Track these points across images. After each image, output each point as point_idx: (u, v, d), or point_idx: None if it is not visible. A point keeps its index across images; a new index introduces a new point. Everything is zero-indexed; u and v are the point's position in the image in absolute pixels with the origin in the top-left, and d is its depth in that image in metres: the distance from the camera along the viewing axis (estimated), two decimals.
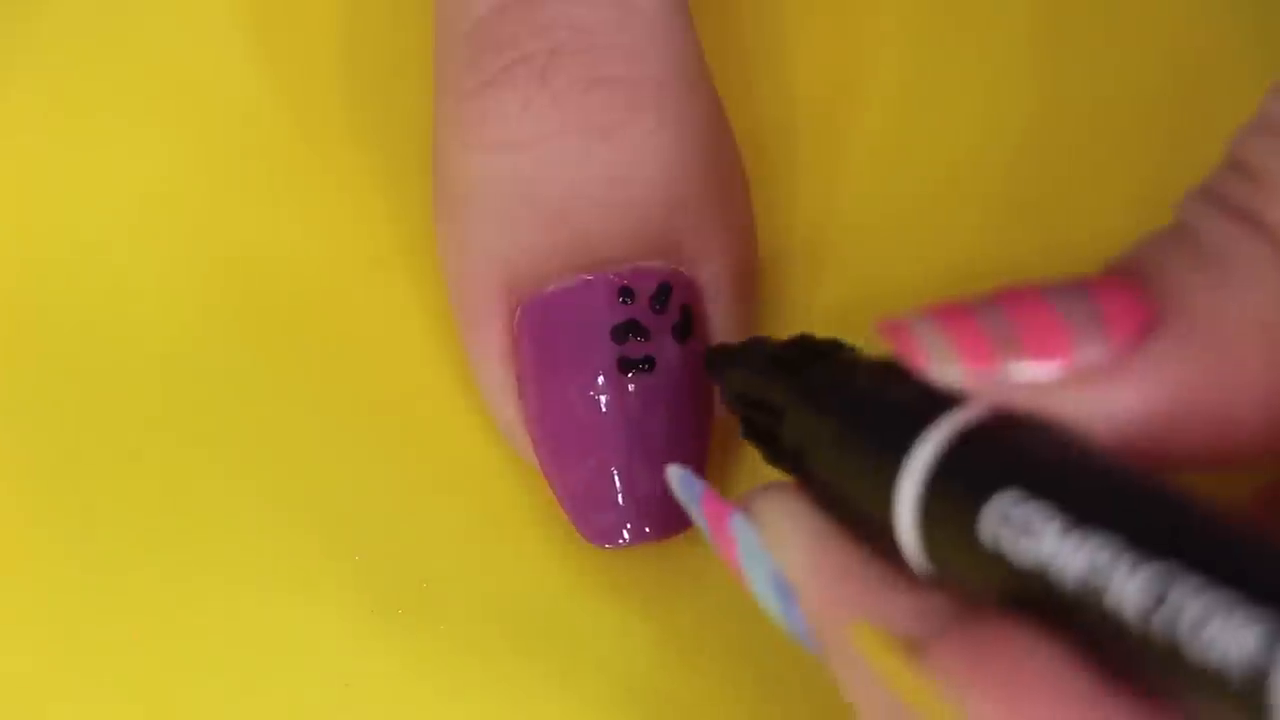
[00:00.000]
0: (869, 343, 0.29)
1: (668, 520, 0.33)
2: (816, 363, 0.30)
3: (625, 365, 0.32)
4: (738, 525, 0.29)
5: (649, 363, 0.32)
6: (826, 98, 0.37)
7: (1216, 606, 0.24)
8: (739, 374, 0.31)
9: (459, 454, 0.35)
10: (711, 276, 0.34)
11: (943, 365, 0.27)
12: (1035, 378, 0.27)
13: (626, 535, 0.33)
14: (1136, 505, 0.25)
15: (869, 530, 0.28)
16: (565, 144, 0.33)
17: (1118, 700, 0.25)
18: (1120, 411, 0.27)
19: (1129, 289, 0.27)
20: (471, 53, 0.33)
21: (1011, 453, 0.26)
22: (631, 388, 0.32)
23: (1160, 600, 0.24)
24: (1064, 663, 0.25)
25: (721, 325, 0.34)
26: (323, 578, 0.34)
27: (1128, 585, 0.24)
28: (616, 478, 0.33)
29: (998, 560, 0.26)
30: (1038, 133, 0.37)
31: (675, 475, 0.31)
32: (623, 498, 0.33)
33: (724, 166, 0.34)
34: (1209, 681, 0.23)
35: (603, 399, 0.32)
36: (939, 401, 0.27)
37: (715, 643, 0.34)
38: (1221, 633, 0.23)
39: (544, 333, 0.33)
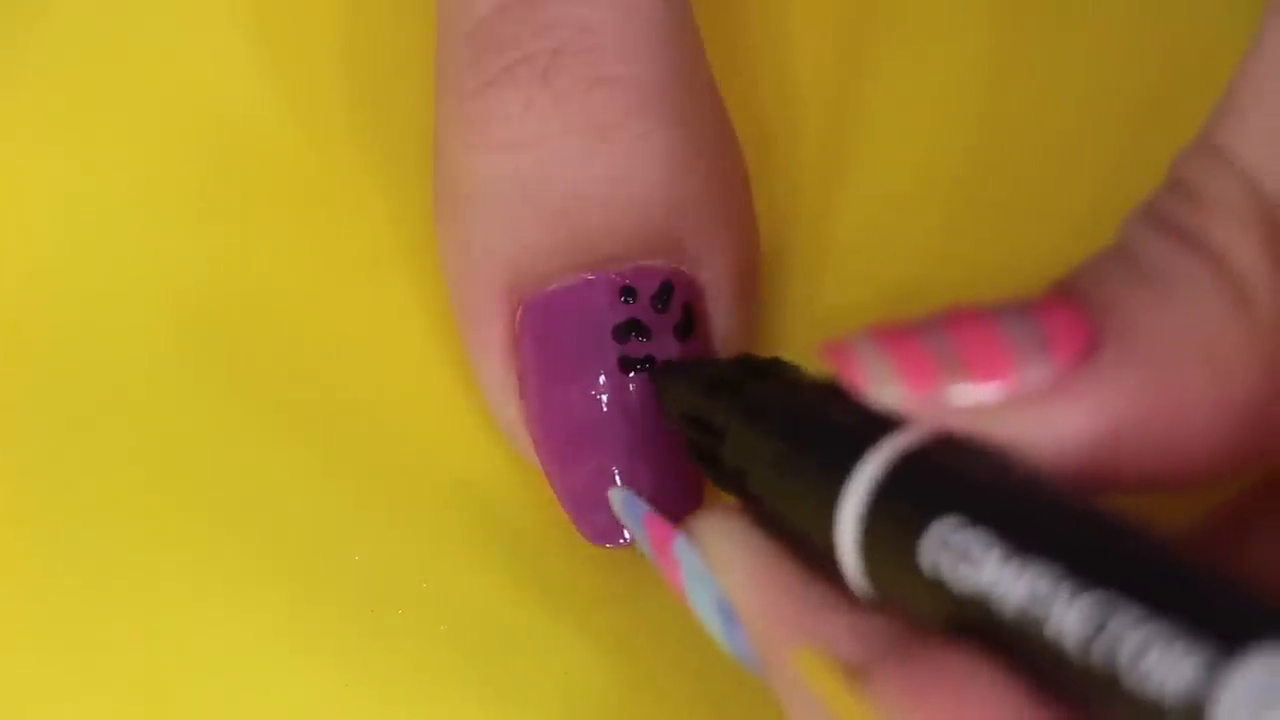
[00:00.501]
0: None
1: (676, 514, 0.33)
2: (758, 382, 0.30)
3: (626, 364, 0.32)
4: (680, 548, 0.29)
5: (650, 362, 0.32)
6: (828, 97, 0.37)
7: (1155, 636, 0.23)
8: (682, 393, 0.31)
9: (459, 454, 0.35)
10: (713, 276, 0.34)
11: (883, 387, 0.27)
12: (977, 400, 0.27)
13: (628, 534, 0.33)
14: (1076, 532, 0.25)
15: (812, 552, 0.28)
16: (567, 144, 0.33)
17: None
18: (1063, 433, 0.27)
19: (1070, 309, 0.27)
20: (473, 53, 0.33)
21: (952, 477, 0.26)
22: (633, 387, 0.32)
23: (1100, 629, 0.24)
24: (1005, 689, 0.25)
25: (723, 324, 0.34)
26: (323, 578, 0.34)
27: (1068, 614, 0.24)
28: (617, 477, 0.33)
29: (938, 586, 0.26)
30: (1040, 132, 0.37)
31: (617, 497, 0.31)
32: (631, 493, 0.33)
33: (726, 166, 0.34)
34: (1148, 712, 0.23)
35: (604, 398, 0.32)
36: (880, 423, 0.27)
37: (716, 645, 0.34)
38: (1160, 663, 0.23)
39: (545, 332, 0.33)
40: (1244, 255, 0.27)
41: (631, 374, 0.32)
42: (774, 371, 0.30)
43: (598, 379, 0.32)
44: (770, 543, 0.28)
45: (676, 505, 0.32)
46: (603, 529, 0.33)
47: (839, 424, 0.28)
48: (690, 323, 0.33)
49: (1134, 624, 0.24)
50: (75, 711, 0.34)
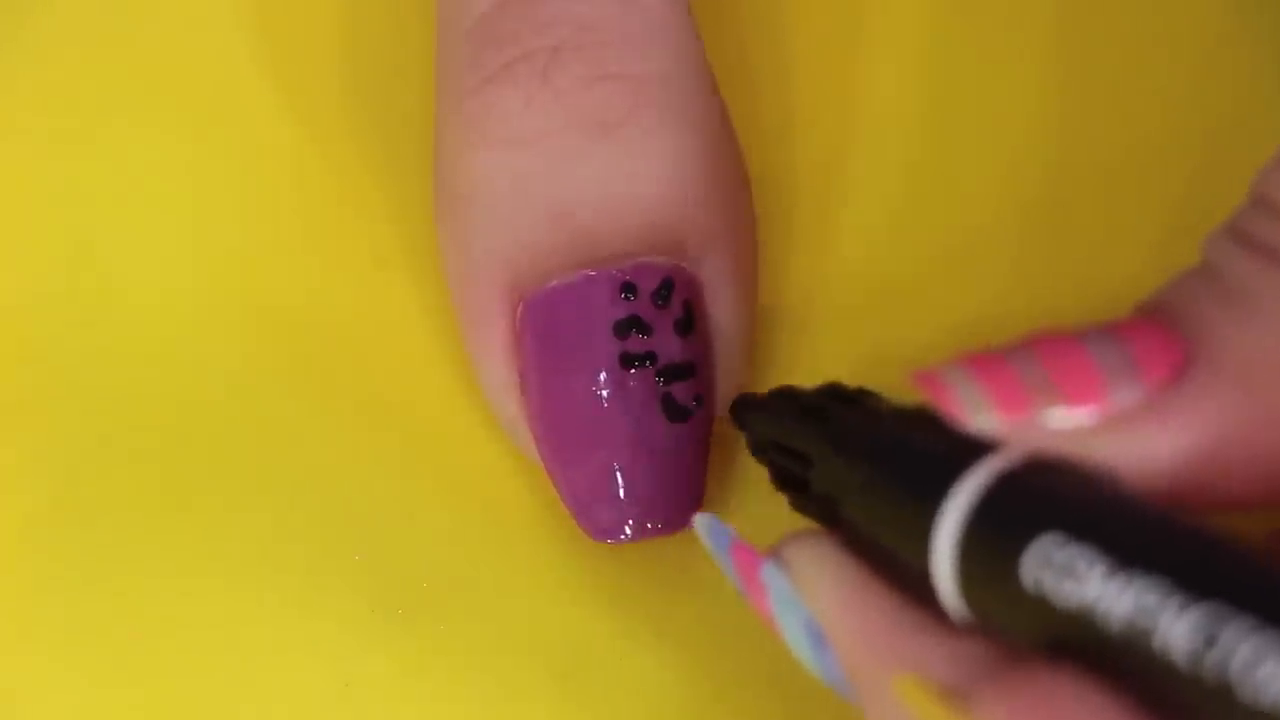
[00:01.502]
0: (872, 346, 0.29)
1: (669, 516, 0.33)
2: (845, 409, 0.30)
3: (627, 361, 0.32)
4: (769, 573, 0.29)
5: (651, 358, 0.32)
6: (828, 96, 0.37)
7: (1269, 647, 0.23)
8: (765, 421, 0.31)
9: (459, 454, 0.35)
10: (713, 273, 0.34)
11: (978, 414, 0.27)
12: (1071, 423, 0.27)
13: (629, 531, 0.33)
14: (1180, 546, 0.25)
15: (904, 578, 0.28)
16: (567, 141, 0.33)
17: None
18: (1155, 454, 0.27)
19: (1158, 330, 0.27)
20: (473, 50, 0.33)
21: (1050, 497, 0.26)
22: (633, 383, 0.32)
23: (1211, 642, 0.24)
24: (1112, 707, 0.25)
25: (722, 322, 0.34)
26: (323, 578, 0.34)
27: (1176, 627, 0.24)
28: (618, 474, 0.33)
29: (1040, 604, 0.25)
30: (1034, 126, 0.37)
31: (703, 523, 0.31)
32: (624, 494, 0.33)
33: (726, 163, 0.34)
34: None
35: (605, 394, 0.32)
36: (972, 448, 0.27)
37: (716, 643, 0.34)
38: (1275, 674, 0.23)
39: (546, 329, 0.33)
40: None
41: (632, 370, 0.32)
42: (861, 399, 0.30)
43: (599, 376, 0.32)
44: (861, 567, 0.28)
45: (676, 503, 0.32)
46: (604, 526, 0.33)
47: (931, 449, 0.28)
48: (690, 320, 0.33)
49: (1246, 634, 0.23)
50: (75, 711, 0.34)
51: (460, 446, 0.35)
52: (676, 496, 0.32)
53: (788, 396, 0.31)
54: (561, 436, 0.33)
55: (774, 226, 0.36)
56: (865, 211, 0.36)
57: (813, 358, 0.35)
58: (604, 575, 0.34)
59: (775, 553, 0.29)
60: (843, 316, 0.36)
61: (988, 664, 0.26)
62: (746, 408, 0.32)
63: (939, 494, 0.27)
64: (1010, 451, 0.27)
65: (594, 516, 0.33)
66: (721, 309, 0.34)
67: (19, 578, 0.34)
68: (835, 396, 0.30)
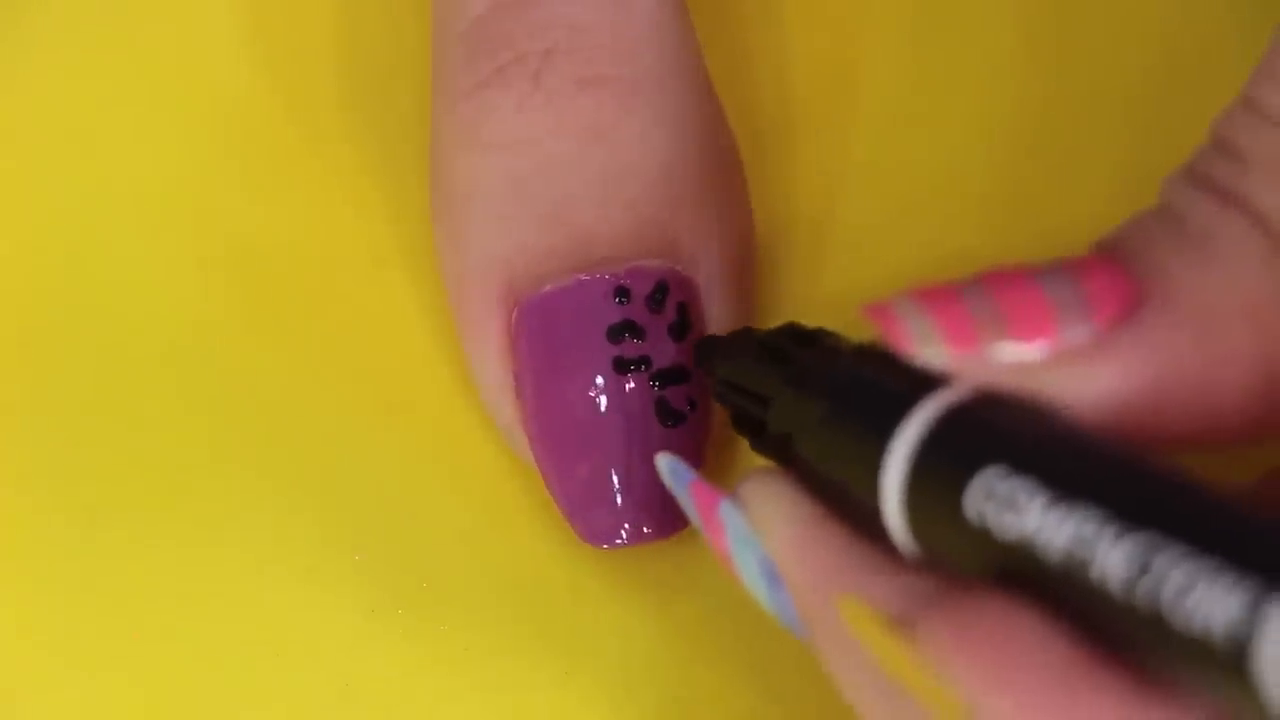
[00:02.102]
0: (866, 338, 0.29)
1: (665, 520, 0.33)
2: (803, 349, 0.30)
3: (621, 365, 0.32)
4: (726, 511, 0.29)
5: (645, 362, 0.32)
6: (823, 94, 0.37)
7: (1199, 574, 0.24)
8: (726, 363, 0.31)
9: (459, 454, 0.35)
10: (709, 275, 0.34)
11: (927, 347, 0.27)
12: (1020, 358, 0.27)
13: (624, 535, 0.33)
14: (1120, 478, 0.25)
15: (856, 514, 0.28)
16: (560, 145, 0.33)
17: (1105, 670, 0.25)
18: (1104, 390, 0.27)
19: (1112, 268, 0.27)
20: (467, 52, 0.33)
21: (996, 430, 0.27)
22: (628, 387, 0.32)
23: (1144, 569, 0.24)
24: (1052, 634, 0.25)
25: (718, 323, 0.34)
26: (323, 578, 0.34)
27: (1111, 555, 0.24)
28: (614, 478, 0.33)
29: (983, 536, 0.26)
30: (1033, 126, 0.37)
31: (664, 463, 0.31)
32: (620, 498, 0.33)
33: (721, 164, 0.34)
34: (1193, 650, 0.24)
35: (600, 399, 0.32)
36: (924, 383, 0.27)
37: (715, 643, 0.34)
38: (1204, 600, 0.23)
39: (541, 333, 0.33)
40: None
41: (627, 374, 0.32)
42: (819, 339, 0.30)
43: (593, 380, 0.32)
44: (814, 504, 0.29)
45: (671, 508, 0.32)
46: (598, 530, 0.33)
47: (884, 384, 0.28)
48: (685, 323, 0.33)
49: (1178, 562, 0.24)
50: (75, 711, 0.34)
51: (460, 446, 0.35)
52: (671, 501, 0.32)
53: (747, 337, 0.31)
54: (556, 440, 0.33)
55: (770, 224, 0.36)
56: (862, 207, 0.36)
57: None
58: (604, 575, 0.34)
59: (733, 492, 0.30)
60: (842, 312, 0.36)
61: (935, 595, 0.27)
62: (707, 350, 0.32)
63: (888, 430, 0.27)
64: (959, 386, 0.27)
65: (588, 521, 0.33)
66: (717, 310, 0.34)
67: (19, 578, 0.34)
68: (793, 336, 0.31)
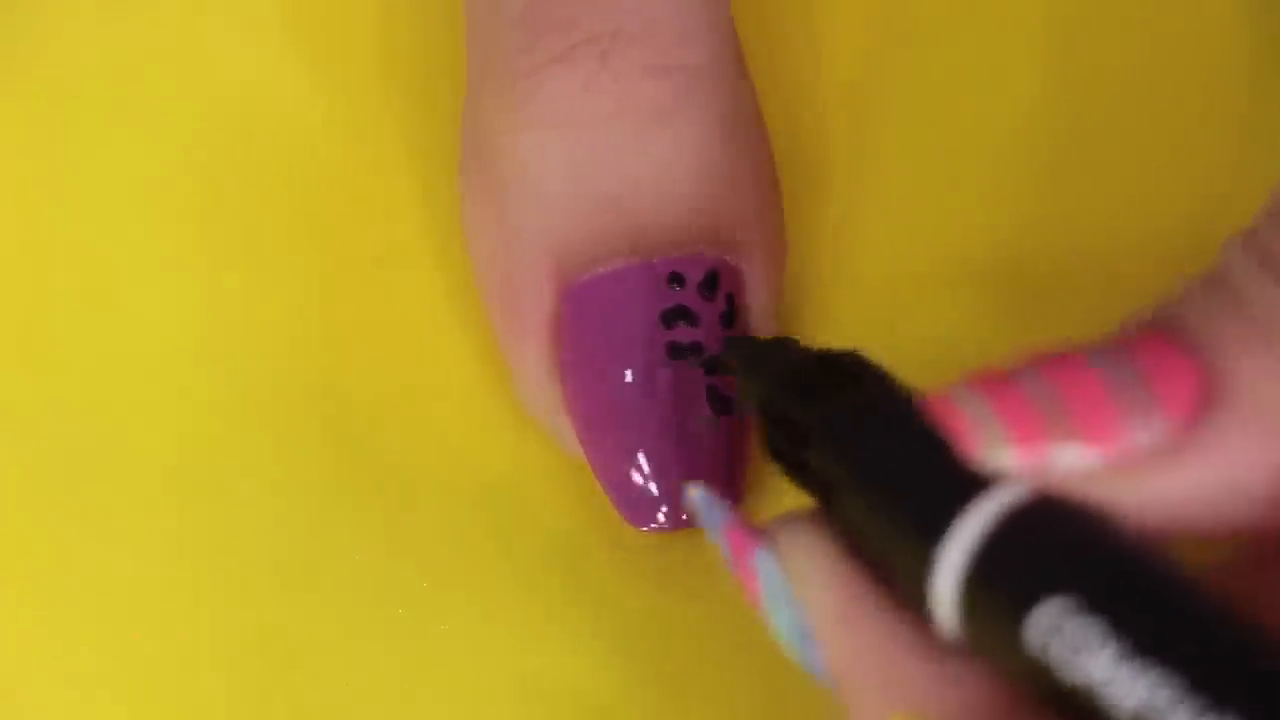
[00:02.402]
0: (895, 337, 0.29)
1: None
2: (843, 388, 0.28)
3: (674, 351, 0.32)
4: (761, 561, 0.28)
5: (697, 350, 0.32)
6: (850, 91, 0.37)
7: None
8: (761, 383, 0.29)
9: (460, 453, 0.35)
10: (752, 266, 0.34)
11: (994, 450, 0.26)
12: (1086, 464, 0.26)
13: (663, 518, 0.33)
14: (1198, 636, 0.24)
15: (900, 587, 0.27)
16: (623, 128, 0.33)
17: None
18: (1166, 497, 0.26)
19: (1178, 357, 0.26)
20: (527, 34, 0.33)
21: (1059, 546, 0.25)
22: (680, 374, 0.32)
23: None
24: None
25: (759, 315, 0.34)
26: (323, 578, 0.34)
27: None
28: (662, 463, 0.33)
29: (1044, 668, 0.24)
30: (1081, 127, 0.36)
31: (697, 497, 0.30)
32: (663, 481, 0.33)
33: (764, 156, 0.35)
34: None
35: (652, 384, 0.32)
36: (975, 475, 0.26)
37: (717, 643, 0.34)
38: None
39: (592, 316, 0.33)
40: None
41: (679, 360, 0.32)
42: (859, 376, 0.28)
43: (646, 365, 0.32)
44: (855, 566, 0.27)
45: (720, 493, 0.32)
46: (645, 514, 0.33)
47: (936, 470, 0.26)
48: (733, 312, 0.33)
49: None
50: (75, 711, 0.34)
51: (461, 446, 0.35)
52: (718, 487, 0.31)
53: (784, 356, 0.30)
54: (604, 425, 0.33)
55: (797, 219, 0.36)
56: (889, 206, 0.36)
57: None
58: (605, 575, 0.34)
59: (769, 537, 0.28)
60: (863, 312, 0.36)
61: (980, 707, 0.25)
62: (739, 357, 0.31)
63: (941, 523, 0.26)
64: (1017, 485, 0.26)
65: (634, 504, 0.33)
66: (757, 302, 0.34)
67: (19, 578, 0.34)
68: (832, 369, 0.28)
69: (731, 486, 0.33)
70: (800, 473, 0.29)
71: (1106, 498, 0.26)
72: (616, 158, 0.33)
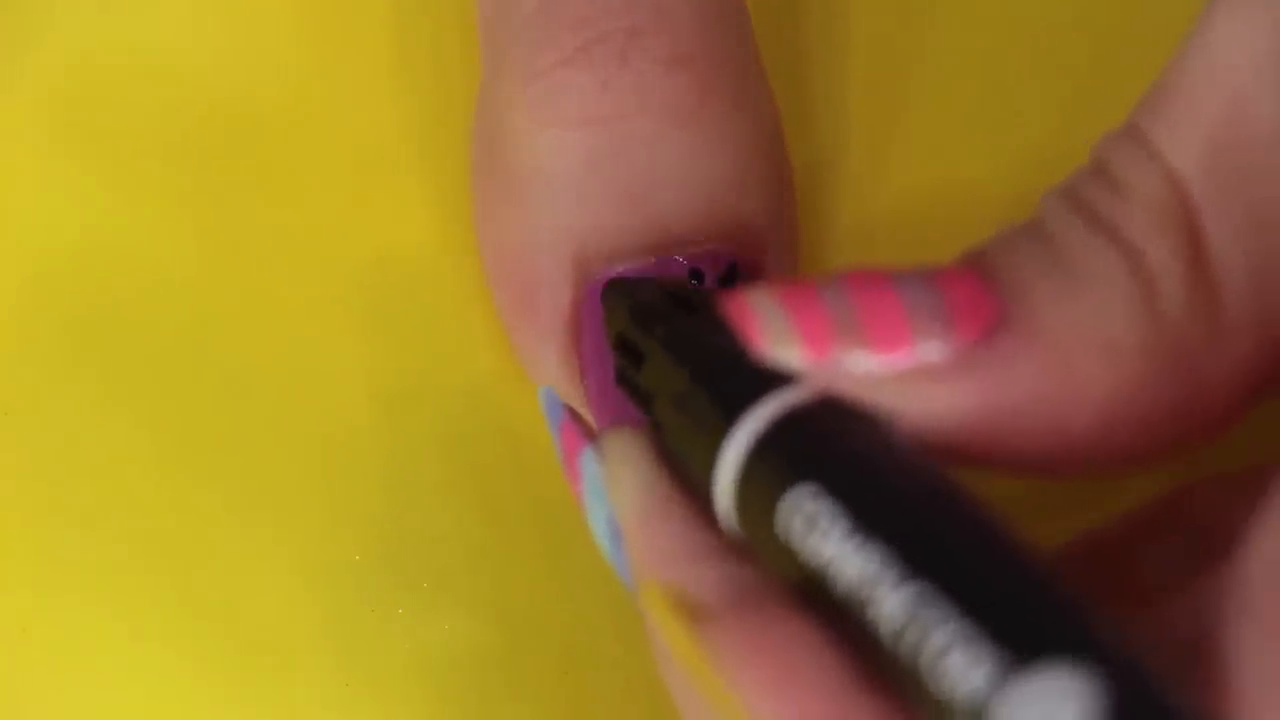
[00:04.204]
0: None
1: None
2: (685, 315, 0.30)
3: None
4: (586, 460, 0.30)
5: None
6: (866, 85, 0.37)
7: (959, 638, 0.23)
8: (621, 314, 0.31)
9: (460, 453, 0.35)
10: (769, 261, 0.34)
11: (780, 348, 0.27)
12: (871, 370, 0.27)
13: None
14: (922, 516, 0.25)
15: (699, 490, 0.28)
16: (644, 124, 0.33)
17: (873, 705, 0.25)
18: (948, 408, 0.27)
19: (977, 284, 0.27)
20: (544, 32, 0.33)
21: (824, 442, 0.26)
22: None
23: (912, 620, 0.24)
24: (832, 666, 0.25)
25: None
26: (322, 577, 0.34)
27: (887, 601, 0.24)
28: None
29: (790, 552, 0.26)
30: (1097, 115, 0.36)
31: (544, 395, 0.31)
32: None
33: (780, 151, 0.35)
34: (940, 711, 0.23)
35: None
36: (775, 377, 0.27)
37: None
38: (956, 666, 0.23)
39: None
40: (1158, 252, 0.27)
41: None
42: (702, 305, 0.30)
43: None
44: (666, 472, 0.29)
45: None
46: None
47: (738, 371, 0.28)
48: None
49: (943, 621, 0.24)
50: (75, 711, 0.34)
51: (461, 445, 0.35)
52: None
53: (640, 290, 0.31)
54: (625, 421, 0.33)
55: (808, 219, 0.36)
56: (904, 200, 0.36)
57: None
58: (605, 575, 0.34)
59: (596, 440, 0.30)
60: None
61: (747, 593, 0.27)
62: (610, 296, 0.32)
63: (732, 418, 0.27)
64: (802, 388, 0.27)
65: None
66: None
67: (19, 578, 0.34)
68: (678, 300, 0.31)
69: None
70: (636, 395, 0.30)
71: (894, 406, 0.27)
72: (639, 153, 0.33)
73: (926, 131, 0.37)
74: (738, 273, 0.33)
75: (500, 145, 0.34)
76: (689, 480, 0.28)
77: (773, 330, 0.27)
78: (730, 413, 0.27)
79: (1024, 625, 0.23)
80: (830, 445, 0.26)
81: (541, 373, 0.34)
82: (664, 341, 0.30)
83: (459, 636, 0.34)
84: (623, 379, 0.31)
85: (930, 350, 0.27)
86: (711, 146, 0.33)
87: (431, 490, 0.35)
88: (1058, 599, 0.24)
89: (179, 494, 0.35)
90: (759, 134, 0.34)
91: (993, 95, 0.37)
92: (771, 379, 0.27)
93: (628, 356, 0.31)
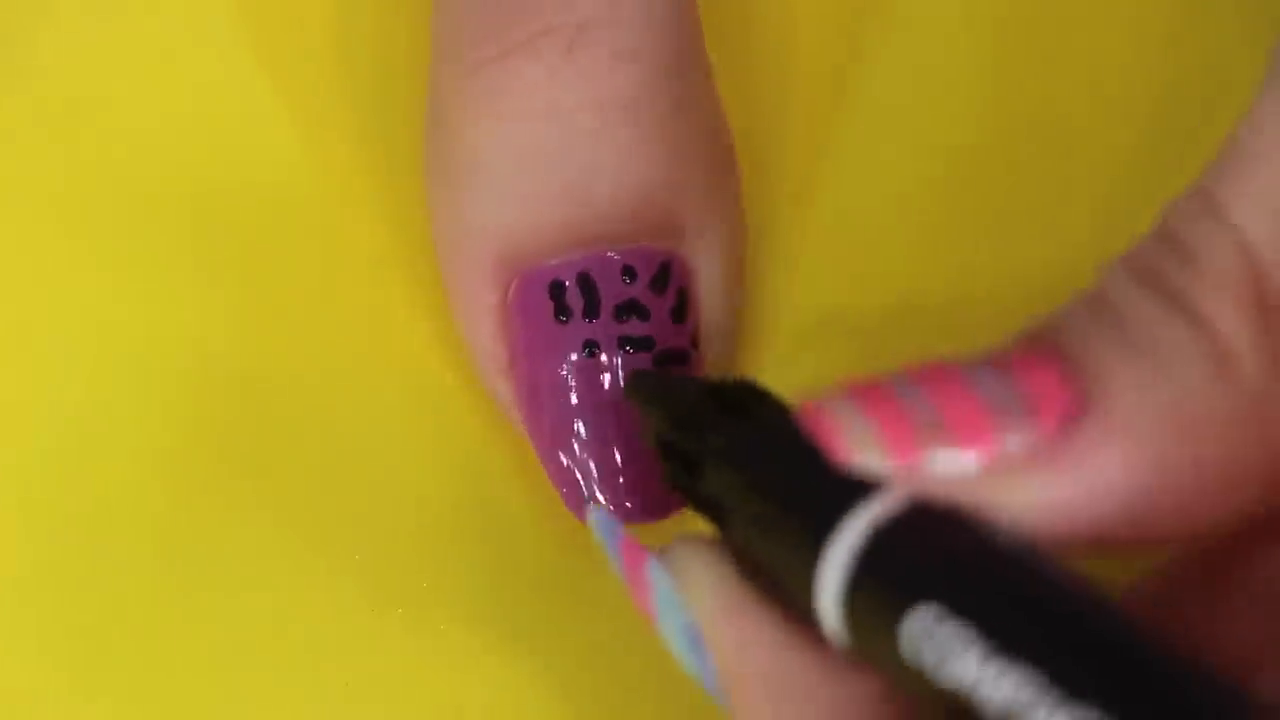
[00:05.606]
0: (860, 332, 0.29)
1: (661, 502, 0.33)
2: (730, 417, 0.29)
3: (624, 344, 0.32)
4: (653, 571, 0.29)
5: (649, 343, 0.32)
6: (818, 85, 0.37)
7: None
8: (661, 417, 0.30)
9: (460, 453, 0.35)
10: (705, 261, 0.34)
11: (865, 454, 0.26)
12: (959, 468, 0.26)
13: (620, 514, 0.33)
14: (1061, 632, 0.24)
15: (790, 601, 0.27)
16: (586, 119, 0.33)
17: None
18: (1041, 501, 0.26)
19: (1052, 370, 0.26)
20: (492, 22, 0.33)
21: (931, 553, 0.26)
22: (631, 367, 0.32)
23: None
24: None
25: (711, 310, 0.34)
26: (323, 578, 0.34)
27: None
28: (615, 457, 0.33)
29: (920, 673, 0.25)
30: (1043, 133, 0.37)
31: (593, 516, 0.31)
32: (619, 477, 0.33)
33: (722, 151, 0.34)
34: None
35: (603, 378, 0.32)
36: (858, 485, 0.26)
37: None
38: None
39: (542, 307, 0.33)
40: (1231, 324, 0.26)
41: (630, 354, 0.32)
42: (749, 405, 0.29)
43: (597, 357, 0.32)
44: (745, 579, 0.28)
45: (667, 494, 0.32)
46: (578, 501, 0.33)
47: (815, 482, 0.27)
48: (684, 307, 0.33)
49: None
50: (75, 711, 0.34)
51: (461, 446, 0.35)
52: (665, 489, 0.32)
53: (675, 389, 0.30)
54: (553, 417, 0.33)
55: (759, 214, 0.36)
56: (852, 202, 0.36)
57: (802, 353, 0.35)
58: (604, 575, 0.34)
59: (661, 552, 0.29)
60: (825, 307, 0.36)
61: (864, 706, 0.26)
62: (641, 394, 0.31)
63: (823, 535, 0.26)
64: (894, 495, 0.26)
65: (579, 499, 0.33)
66: (710, 297, 0.34)
67: (19, 578, 0.34)
68: (723, 400, 0.29)
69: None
70: (697, 502, 0.29)
71: (983, 503, 0.26)
72: (577, 148, 0.33)
73: (870, 136, 0.37)
74: (670, 272, 0.33)
75: (444, 133, 0.34)
76: (776, 591, 0.27)
77: (854, 435, 0.26)
78: (819, 529, 0.26)
79: None
80: (939, 554, 0.25)
81: (476, 361, 0.34)
82: (724, 453, 0.28)
83: (459, 636, 0.34)
84: (676, 485, 0.30)
85: (1015, 443, 0.26)
86: (651, 143, 0.33)
87: (432, 490, 0.35)
88: (1217, 690, 0.23)
89: (180, 494, 0.35)
90: (700, 135, 0.33)
91: (934, 99, 0.37)
92: (854, 487, 0.26)
93: (676, 461, 0.29)
